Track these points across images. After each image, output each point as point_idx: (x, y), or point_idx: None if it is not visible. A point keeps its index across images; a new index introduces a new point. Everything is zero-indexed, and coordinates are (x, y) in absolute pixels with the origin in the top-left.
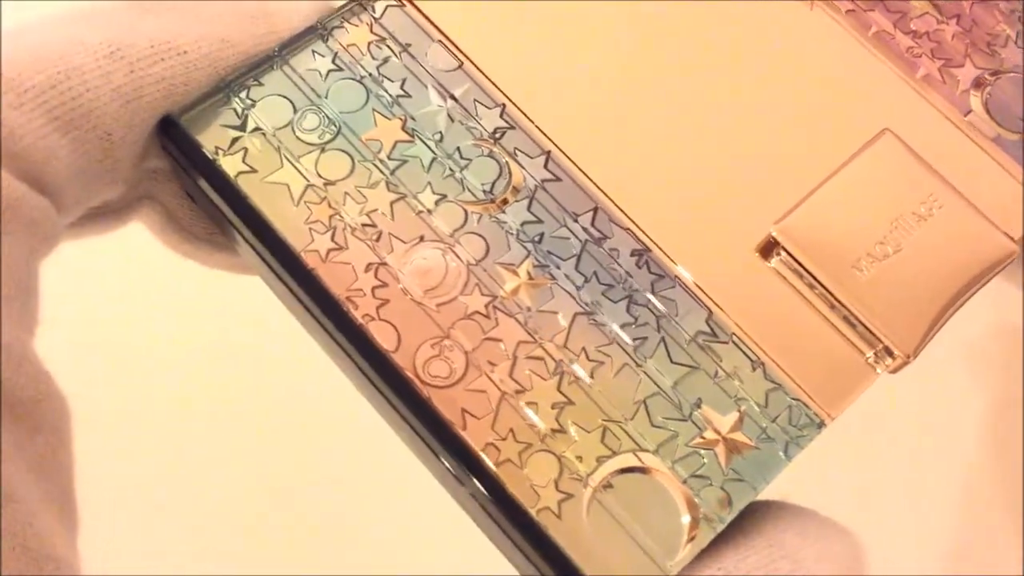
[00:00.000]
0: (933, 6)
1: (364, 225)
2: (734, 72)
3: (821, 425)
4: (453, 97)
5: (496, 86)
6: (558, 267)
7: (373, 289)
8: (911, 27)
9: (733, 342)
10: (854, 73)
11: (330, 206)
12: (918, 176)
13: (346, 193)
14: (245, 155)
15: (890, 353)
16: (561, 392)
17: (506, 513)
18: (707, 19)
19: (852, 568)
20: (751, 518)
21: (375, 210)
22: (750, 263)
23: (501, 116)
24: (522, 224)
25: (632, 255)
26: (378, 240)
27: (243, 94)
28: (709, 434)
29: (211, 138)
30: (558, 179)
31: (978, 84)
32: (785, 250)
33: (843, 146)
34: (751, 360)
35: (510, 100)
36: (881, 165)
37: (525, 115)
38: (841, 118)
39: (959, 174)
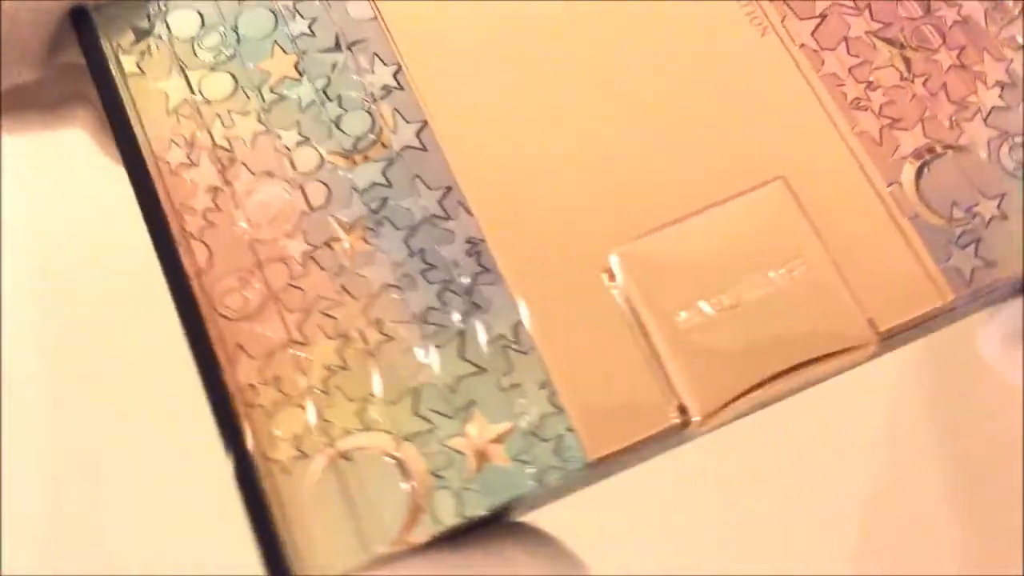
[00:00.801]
0: (903, 59)
1: (222, 148)
2: (651, 86)
3: (584, 462)
4: (354, 46)
5: (397, 46)
6: (390, 235)
7: (205, 211)
8: (869, 76)
9: (533, 355)
10: (781, 110)
11: (198, 123)
12: (793, 234)
13: (218, 114)
14: (141, 58)
15: (684, 410)
16: (340, 355)
17: (236, 454)
18: (643, 28)
19: None
20: (490, 532)
21: (238, 137)
22: (588, 282)
23: (394, 76)
24: (372, 184)
25: (467, 242)
26: (229, 166)
27: (162, 1)
28: (467, 438)
29: (116, 34)
30: (424, 149)
31: (919, 155)
32: (618, 275)
33: (733, 183)
34: (543, 378)
35: (406, 63)
36: (757, 213)
37: (415, 81)
38: (747, 154)
39: (849, 246)
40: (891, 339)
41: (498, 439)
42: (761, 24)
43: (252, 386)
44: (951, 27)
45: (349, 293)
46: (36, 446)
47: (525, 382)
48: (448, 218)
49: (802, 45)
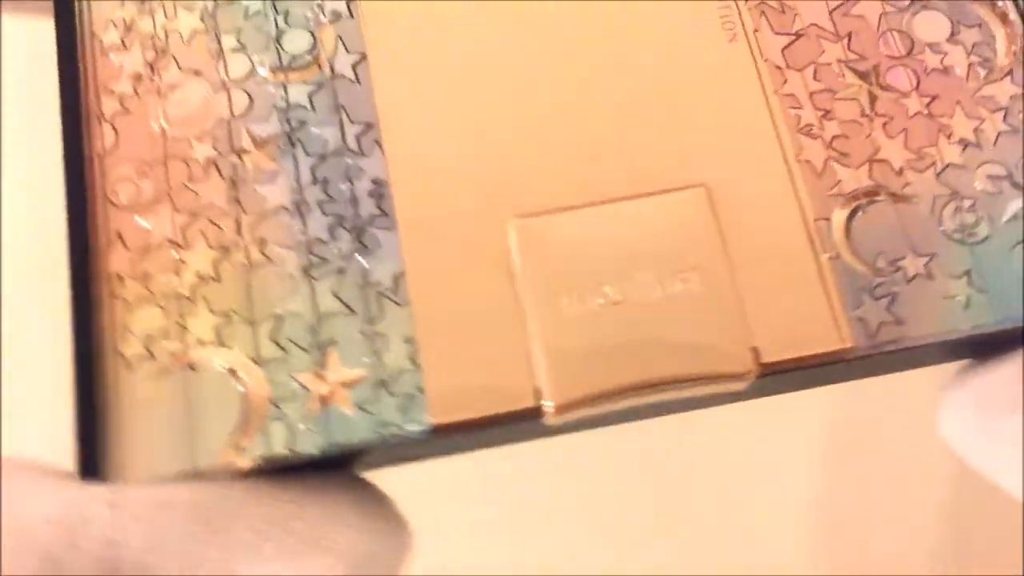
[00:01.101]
0: (869, 95)
1: (158, 38)
2: (601, 68)
3: (425, 426)
4: None
5: None
6: (298, 159)
7: (124, 96)
8: (829, 105)
9: (406, 309)
10: (728, 119)
11: (140, 9)
12: (699, 245)
13: (164, 5)
14: None
15: (539, 396)
16: (215, 266)
17: (82, 339)
18: (607, 10)
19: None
20: (324, 480)
21: (176, 30)
22: (480, 248)
23: (348, 4)
24: (295, 105)
25: (372, 183)
26: (160, 57)
27: None
28: (317, 376)
29: None
30: (357, 83)
31: (858, 195)
32: (511, 248)
33: (656, 180)
34: (409, 334)
35: None
36: (668, 214)
37: (366, 15)
38: (679, 155)
39: (758, 271)
40: (775, 375)
41: (347, 383)
42: (732, 29)
43: (120, 277)
44: (929, 73)
45: (242, 207)
46: (36, 442)
47: (391, 334)
48: (360, 155)
49: (767, 60)
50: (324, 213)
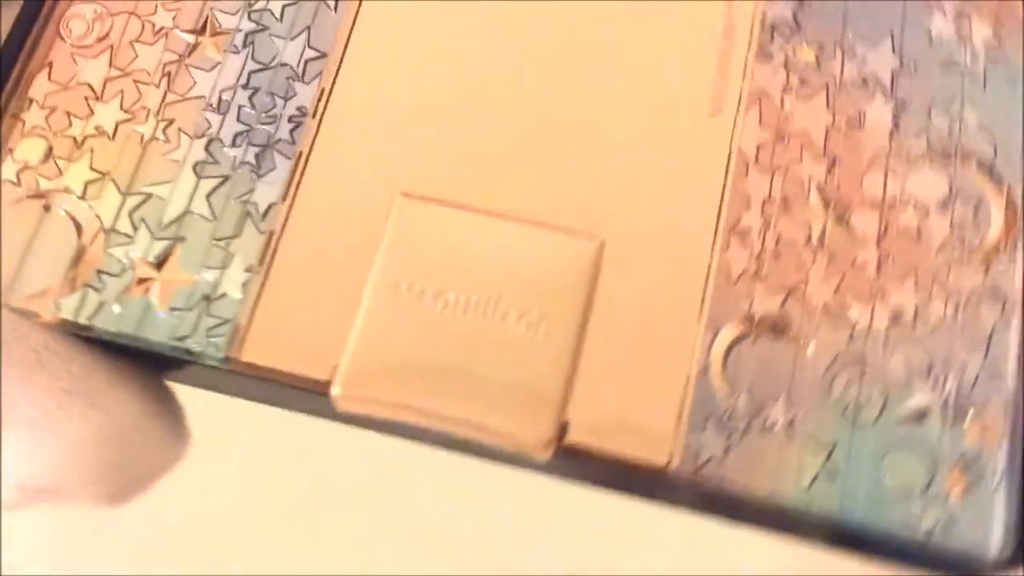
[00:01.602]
0: (824, 226)
1: None
2: (576, 94)
3: (219, 355)
4: None
5: None
6: (244, 60)
7: None
8: (777, 219)
9: (263, 238)
10: (668, 189)
11: None
12: (565, 295)
13: None
14: None
15: (333, 373)
16: (116, 127)
17: None
18: (604, 33)
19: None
20: (129, 368)
21: None
22: (362, 209)
23: None
24: (263, 9)
25: (297, 109)
26: None
27: None
28: (150, 266)
29: None
30: (334, 12)
31: (756, 322)
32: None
33: (566, 216)
34: (254, 264)
35: None
36: (550, 253)
37: None
38: (603, 202)
39: (617, 349)
40: (580, 461)
41: (173, 284)
42: (720, 103)
43: (32, 101)
44: (898, 231)
45: (169, 83)
46: None
47: (238, 256)
48: (300, 79)
49: (741, 149)
50: (239, 119)
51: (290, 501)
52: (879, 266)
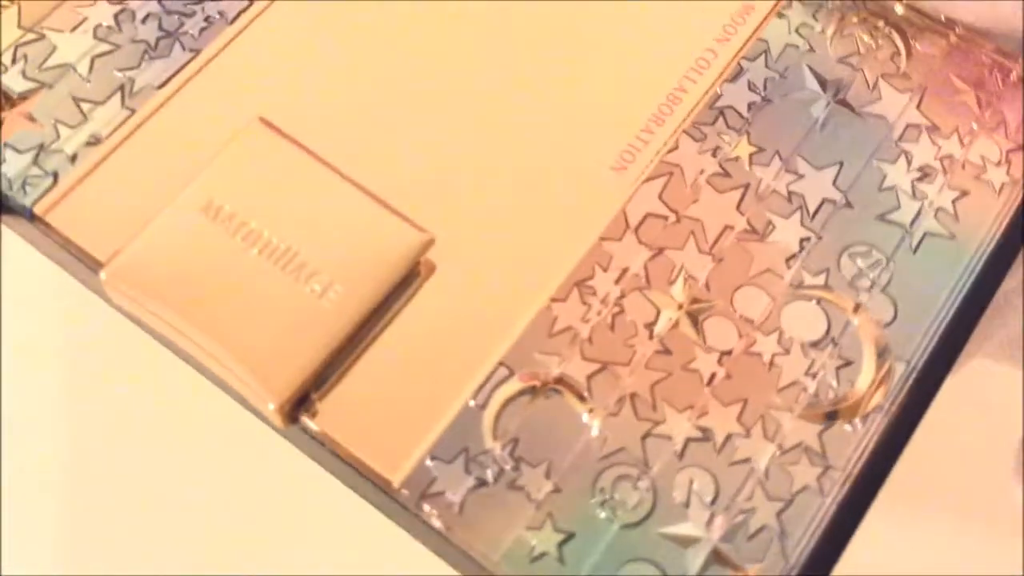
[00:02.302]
0: (671, 320)
1: None
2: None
3: (27, 208)
4: None
5: None
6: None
7: None
8: (619, 294)
9: (134, 123)
10: (534, 215)
11: None
12: (364, 273)
13: None
14: None
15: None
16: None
17: None
18: (528, 62)
19: None
20: None
21: None
22: (231, 119)
23: None
24: None
25: (218, 12)
26: None
27: None
28: (8, 100)
29: None
30: None
31: (544, 379)
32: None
33: (419, 206)
34: (99, 135)
35: None
36: (376, 230)
37: None
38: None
39: (406, 351)
40: (313, 440)
41: (19, 122)
42: (629, 161)
43: None
44: (749, 354)
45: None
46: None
47: (92, 122)
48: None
49: (625, 214)
50: (161, 3)
51: (293, 501)
52: (710, 379)
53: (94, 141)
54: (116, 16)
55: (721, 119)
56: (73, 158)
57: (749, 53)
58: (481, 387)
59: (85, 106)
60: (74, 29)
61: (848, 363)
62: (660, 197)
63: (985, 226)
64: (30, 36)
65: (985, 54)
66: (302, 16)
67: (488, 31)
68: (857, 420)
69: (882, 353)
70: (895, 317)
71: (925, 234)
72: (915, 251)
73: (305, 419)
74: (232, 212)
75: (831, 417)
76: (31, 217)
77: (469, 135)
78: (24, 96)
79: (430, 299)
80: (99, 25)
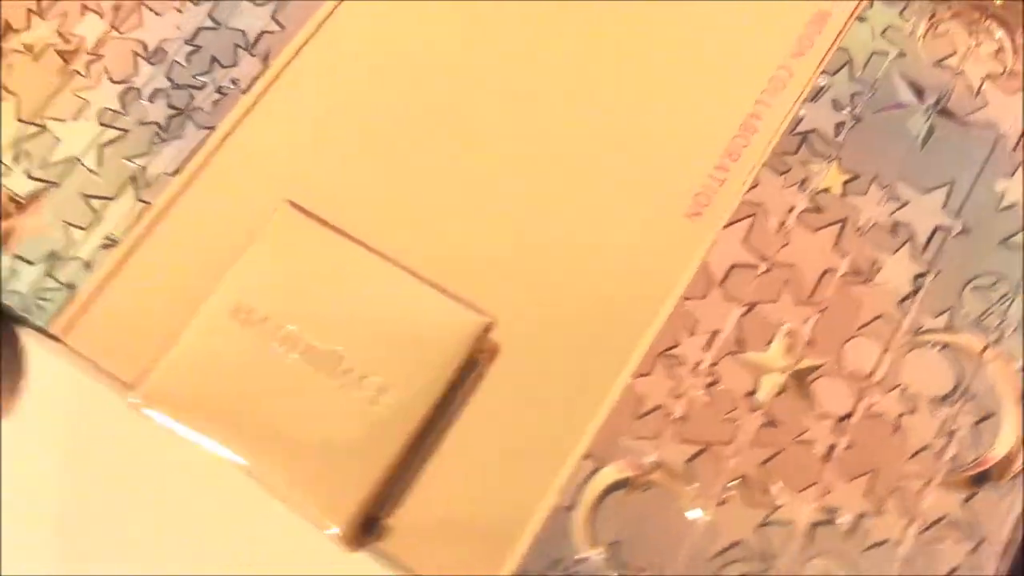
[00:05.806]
0: (796, 380)
1: None
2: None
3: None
4: None
5: None
6: (198, 15)
7: None
8: (715, 360)
9: (137, 212)
10: (606, 289)
11: None
12: (430, 367)
13: None
14: None
15: (143, 378)
16: (41, 45)
17: None
18: (597, 122)
19: None
20: None
21: None
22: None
23: None
24: None
25: (231, 81)
26: None
27: None
28: (15, 203)
29: None
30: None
31: (643, 469)
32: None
33: (473, 287)
34: (115, 236)
35: None
36: (434, 317)
37: None
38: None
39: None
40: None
41: (28, 229)
42: (705, 205)
43: None
44: (870, 416)
45: (117, 16)
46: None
47: (106, 222)
48: (249, 50)
49: (707, 266)
50: (168, 76)
51: None
52: (830, 452)
53: (109, 243)
54: (121, 97)
55: (805, 146)
56: (88, 265)
57: (830, 66)
58: (566, 486)
59: (96, 203)
60: (77, 116)
61: (987, 416)
62: (745, 243)
63: None
64: (31, 130)
65: None
66: (327, 78)
67: (534, 80)
68: (1006, 481)
69: None
70: None
71: None
72: None
73: (374, 544)
74: (266, 315)
75: (976, 481)
76: (49, 335)
77: (521, 197)
78: (31, 200)
79: (496, 389)
80: (104, 109)
